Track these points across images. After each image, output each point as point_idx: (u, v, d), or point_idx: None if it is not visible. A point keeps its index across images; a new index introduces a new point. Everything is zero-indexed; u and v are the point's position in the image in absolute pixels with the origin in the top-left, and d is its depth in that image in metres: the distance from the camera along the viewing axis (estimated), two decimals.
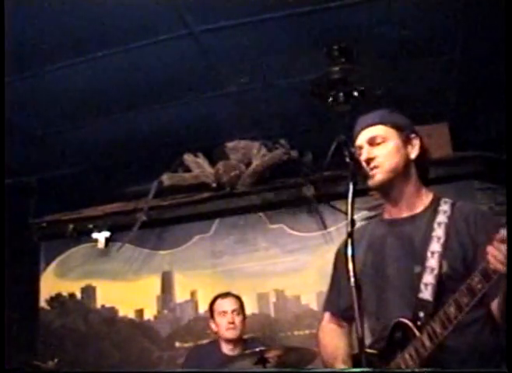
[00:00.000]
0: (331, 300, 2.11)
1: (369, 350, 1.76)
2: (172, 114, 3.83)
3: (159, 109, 3.75)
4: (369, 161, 1.82)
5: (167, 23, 2.88)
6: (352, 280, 1.58)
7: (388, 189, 1.87)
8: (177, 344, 4.36)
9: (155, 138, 4.10)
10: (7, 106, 3.40)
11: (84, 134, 4.00)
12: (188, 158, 4.26)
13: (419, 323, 1.68)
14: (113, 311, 4.56)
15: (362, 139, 1.87)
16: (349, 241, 1.63)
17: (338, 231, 4.09)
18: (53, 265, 4.74)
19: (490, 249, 1.48)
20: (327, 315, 2.15)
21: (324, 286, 4.15)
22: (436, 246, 1.75)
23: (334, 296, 2.07)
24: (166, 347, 4.37)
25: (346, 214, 1.68)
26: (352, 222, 1.65)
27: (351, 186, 1.69)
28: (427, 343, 1.63)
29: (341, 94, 3.29)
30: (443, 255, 1.73)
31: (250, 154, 4.17)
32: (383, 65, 3.35)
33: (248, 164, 4.18)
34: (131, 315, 4.51)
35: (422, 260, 1.75)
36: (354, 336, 1.71)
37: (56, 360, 3.36)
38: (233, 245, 4.41)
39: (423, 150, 1.87)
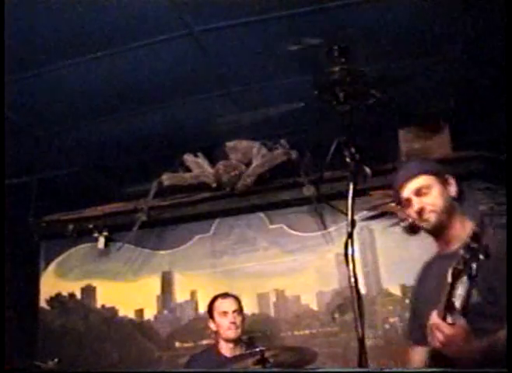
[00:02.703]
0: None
1: None
2: (172, 114, 3.83)
3: (159, 109, 3.75)
4: (421, 211, 2.08)
5: (167, 23, 2.88)
6: (352, 280, 1.58)
7: (440, 229, 2.09)
8: (177, 344, 4.36)
9: (155, 138, 4.10)
10: (7, 106, 3.40)
11: (84, 134, 3.99)
12: (188, 158, 4.25)
13: None
14: (113, 311, 4.55)
15: (408, 192, 2.12)
16: (349, 241, 1.63)
17: (338, 231, 4.09)
18: (53, 265, 4.74)
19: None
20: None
21: (324, 286, 4.19)
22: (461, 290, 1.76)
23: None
24: (166, 347, 4.37)
25: (346, 214, 1.68)
26: (352, 222, 1.66)
27: (351, 186, 1.70)
28: None
29: (342, 94, 3.29)
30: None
31: (250, 154, 4.17)
32: (383, 65, 3.35)
33: (248, 164, 4.18)
34: (131, 315, 4.51)
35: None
36: None
37: (56, 360, 3.35)
38: (233, 245, 4.41)
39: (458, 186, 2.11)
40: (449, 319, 1.67)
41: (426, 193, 2.08)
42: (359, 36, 3.04)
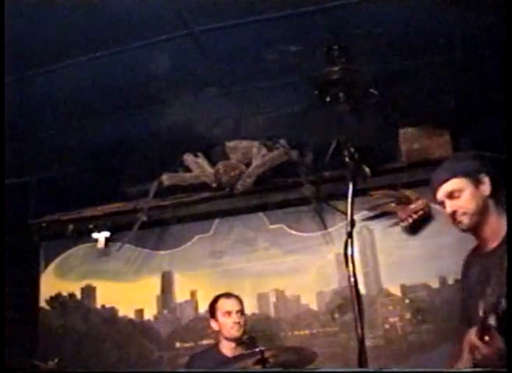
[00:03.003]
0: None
1: None
2: (172, 114, 3.82)
3: (160, 108, 3.75)
4: (454, 213, 2.13)
5: (167, 23, 2.88)
6: (352, 280, 1.58)
7: (475, 229, 2.14)
8: (177, 344, 4.36)
9: (155, 138, 4.10)
10: (7, 107, 3.40)
11: (84, 134, 3.99)
12: (188, 158, 4.25)
13: None
14: (113, 311, 4.56)
15: (441, 195, 2.17)
16: (349, 241, 1.63)
17: (338, 231, 4.09)
18: (53, 265, 4.74)
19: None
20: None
21: (324, 286, 4.19)
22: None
23: None
24: (166, 347, 4.37)
25: (346, 214, 1.68)
26: (352, 222, 1.66)
27: (351, 186, 1.70)
28: None
29: (341, 94, 3.29)
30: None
31: (250, 154, 4.17)
32: (382, 65, 3.35)
33: (248, 164, 4.18)
34: (131, 315, 4.51)
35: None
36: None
37: (56, 360, 3.36)
38: (233, 245, 4.41)
39: (493, 183, 2.13)
40: (486, 338, 1.72)
41: (457, 196, 2.13)
42: (359, 36, 3.04)
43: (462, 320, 2.20)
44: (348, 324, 3.89)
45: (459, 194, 2.13)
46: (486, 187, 2.14)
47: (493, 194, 2.14)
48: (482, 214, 2.11)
